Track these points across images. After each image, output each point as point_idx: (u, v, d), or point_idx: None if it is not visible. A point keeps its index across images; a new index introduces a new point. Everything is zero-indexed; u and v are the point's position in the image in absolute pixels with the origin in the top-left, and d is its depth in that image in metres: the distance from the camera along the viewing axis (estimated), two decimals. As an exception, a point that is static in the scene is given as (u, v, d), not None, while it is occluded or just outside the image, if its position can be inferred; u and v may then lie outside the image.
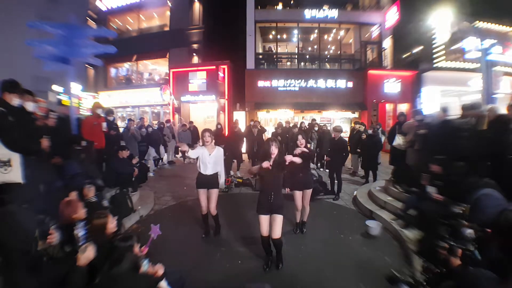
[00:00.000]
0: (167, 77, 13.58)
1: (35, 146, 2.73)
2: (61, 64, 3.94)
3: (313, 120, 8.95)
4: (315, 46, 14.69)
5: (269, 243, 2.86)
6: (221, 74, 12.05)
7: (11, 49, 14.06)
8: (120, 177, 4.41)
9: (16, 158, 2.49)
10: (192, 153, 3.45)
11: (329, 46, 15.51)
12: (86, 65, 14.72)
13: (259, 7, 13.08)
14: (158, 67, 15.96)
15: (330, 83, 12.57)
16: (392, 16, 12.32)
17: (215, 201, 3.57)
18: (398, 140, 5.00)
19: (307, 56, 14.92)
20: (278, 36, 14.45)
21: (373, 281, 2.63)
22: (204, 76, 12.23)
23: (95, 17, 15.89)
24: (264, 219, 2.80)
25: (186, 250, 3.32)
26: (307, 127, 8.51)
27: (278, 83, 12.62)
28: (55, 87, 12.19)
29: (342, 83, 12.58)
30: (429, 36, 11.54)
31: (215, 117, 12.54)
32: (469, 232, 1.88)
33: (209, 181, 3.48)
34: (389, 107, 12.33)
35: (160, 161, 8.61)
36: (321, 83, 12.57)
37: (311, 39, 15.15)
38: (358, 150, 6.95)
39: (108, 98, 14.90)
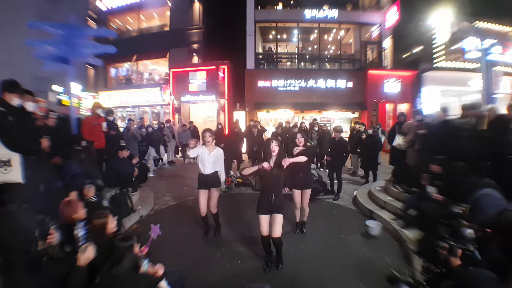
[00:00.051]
0: (167, 77, 13.58)
1: (35, 146, 2.73)
2: (61, 64, 3.94)
3: (314, 120, 8.94)
4: (315, 46, 14.69)
5: (269, 243, 2.86)
6: (221, 74, 12.05)
7: (11, 49, 14.07)
8: (120, 177, 4.41)
9: (16, 158, 2.49)
10: (192, 152, 3.45)
11: (329, 46, 15.51)
12: (86, 65, 14.72)
13: (259, 7, 13.07)
14: (158, 67, 15.96)
15: (330, 83, 12.57)
16: (392, 16, 12.32)
17: (216, 200, 3.57)
18: (398, 140, 5.00)
19: (307, 56, 14.92)
20: (278, 36, 14.45)
21: (373, 281, 2.63)
22: (204, 76, 12.23)
23: (95, 17, 15.89)
24: (264, 219, 2.80)
25: (186, 250, 3.32)
26: (307, 127, 8.50)
27: (278, 83, 12.62)
28: (55, 87, 12.19)
29: (342, 83, 12.58)
30: (429, 36, 11.54)
31: (215, 117, 12.54)
32: (469, 232, 1.88)
33: (210, 181, 3.48)
34: (389, 107, 12.33)
35: (160, 161, 8.61)
36: (321, 83, 12.57)
37: (311, 39, 15.15)
38: (358, 150, 6.95)
39: (108, 98, 14.90)
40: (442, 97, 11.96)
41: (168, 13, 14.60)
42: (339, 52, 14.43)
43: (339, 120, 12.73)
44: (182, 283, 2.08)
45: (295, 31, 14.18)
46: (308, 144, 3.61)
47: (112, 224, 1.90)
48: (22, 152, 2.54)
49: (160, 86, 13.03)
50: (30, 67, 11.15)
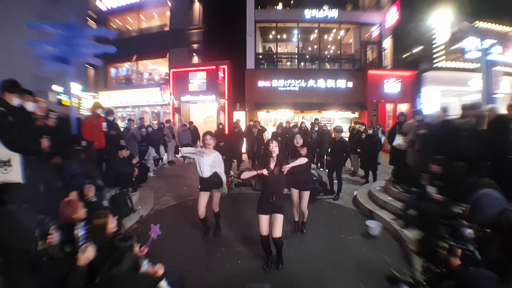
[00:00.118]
0: (167, 77, 13.58)
1: (35, 146, 2.73)
2: (61, 64, 3.93)
3: (316, 119, 8.93)
4: (315, 46, 14.69)
5: (268, 243, 2.86)
6: (221, 74, 12.06)
7: (11, 49, 14.05)
8: (120, 177, 4.41)
9: (16, 158, 2.49)
10: (185, 149, 3.44)
11: (329, 46, 15.51)
12: (86, 65, 14.71)
13: (259, 7, 13.08)
14: (158, 67, 15.96)
15: (330, 83, 12.57)
16: (392, 16, 12.32)
17: (218, 199, 3.57)
18: (398, 140, 4.99)
19: (307, 56, 14.92)
20: (278, 36, 14.45)
21: (373, 281, 2.63)
22: (204, 76, 12.23)
23: (95, 17, 15.90)
24: (264, 219, 2.80)
25: (186, 250, 3.32)
26: (307, 127, 8.48)
27: (278, 83, 12.62)
28: (55, 87, 12.19)
29: (342, 83, 12.58)
30: (429, 36, 11.54)
31: (215, 117, 12.54)
32: (469, 232, 1.88)
33: (211, 182, 3.46)
34: (389, 107, 12.33)
35: (160, 161, 8.61)
36: (321, 83, 12.57)
37: (311, 39, 15.15)
38: (358, 150, 6.95)
39: (108, 98, 14.90)
40: (442, 97, 11.96)
41: (168, 13, 14.61)
42: (339, 52, 14.43)
43: (339, 120, 12.73)
44: (182, 283, 2.08)
45: (295, 31, 14.18)
46: (304, 151, 3.58)
47: (112, 224, 1.90)
48: (22, 152, 2.54)
49: (160, 86, 13.03)
50: (30, 67, 11.14)
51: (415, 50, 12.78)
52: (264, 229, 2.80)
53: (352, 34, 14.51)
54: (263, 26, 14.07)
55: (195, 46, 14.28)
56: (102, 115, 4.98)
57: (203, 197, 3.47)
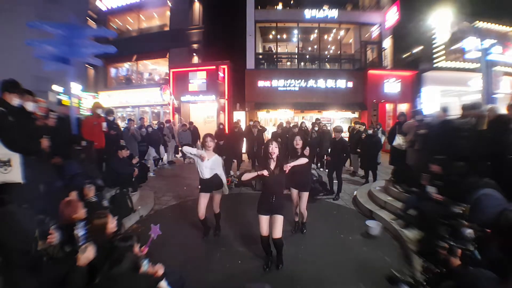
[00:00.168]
0: (167, 77, 13.58)
1: (35, 146, 2.73)
2: (61, 64, 3.94)
3: (317, 119, 8.92)
4: (315, 46, 14.68)
5: (268, 243, 2.86)
6: (221, 74, 12.05)
7: (11, 49, 14.05)
8: (120, 177, 4.41)
9: (16, 158, 2.49)
10: (187, 148, 3.43)
11: (329, 46, 15.51)
12: (86, 65, 14.70)
13: (259, 7, 13.07)
14: (158, 67, 15.96)
15: (330, 83, 12.57)
16: (392, 16, 12.32)
17: (218, 200, 3.57)
18: (398, 140, 5.00)
19: (307, 56, 14.91)
20: (278, 36, 14.44)
21: (373, 281, 2.62)
22: (204, 76, 12.23)
23: (95, 17, 15.89)
24: (264, 219, 2.80)
25: (186, 250, 3.32)
26: (307, 127, 8.48)
27: (278, 83, 12.62)
28: (55, 87, 12.17)
29: (342, 83, 12.58)
30: (429, 36, 11.54)
31: (215, 117, 12.54)
32: (469, 232, 1.88)
33: (211, 184, 3.45)
34: (389, 107, 12.33)
35: (160, 161, 8.61)
36: (321, 83, 12.57)
37: (311, 39, 15.15)
38: (358, 150, 6.95)
39: (108, 98, 14.90)
40: (442, 97, 11.96)
41: (168, 13, 14.60)
42: (339, 52, 14.43)
43: (339, 120, 12.73)
44: (182, 283, 2.08)
45: (295, 31, 14.18)
46: (306, 150, 3.57)
47: (112, 224, 1.90)
48: (22, 152, 2.54)
49: (160, 86, 13.03)
50: (30, 67, 11.13)
51: (415, 50, 12.78)
52: (264, 230, 2.80)
53: (352, 34, 14.51)
54: (263, 26, 14.07)
55: (195, 46, 14.28)
56: (102, 115, 4.98)
57: (203, 198, 3.47)
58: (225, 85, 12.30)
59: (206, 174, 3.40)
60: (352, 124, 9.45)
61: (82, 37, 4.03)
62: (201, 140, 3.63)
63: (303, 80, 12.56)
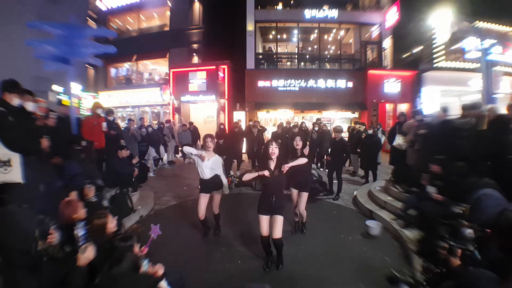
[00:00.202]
0: (167, 77, 13.58)
1: (35, 146, 2.73)
2: (61, 64, 3.94)
3: (318, 119, 8.91)
4: (315, 46, 14.68)
5: (269, 243, 2.86)
6: (221, 74, 12.05)
7: (11, 49, 14.05)
8: (120, 177, 4.41)
9: (16, 158, 2.49)
10: (188, 148, 3.44)
11: (329, 46, 15.51)
12: (86, 65, 14.71)
13: (259, 7, 13.07)
14: (158, 67, 15.96)
15: (330, 83, 12.57)
16: (392, 16, 12.32)
17: (218, 201, 3.57)
18: (399, 140, 5.00)
19: (307, 56, 14.91)
20: (278, 36, 14.44)
21: (373, 281, 2.63)
22: (204, 76, 12.23)
23: (95, 17, 15.88)
24: (264, 219, 2.80)
25: (186, 250, 3.32)
26: (307, 127, 8.48)
27: (278, 83, 12.62)
28: (55, 87, 12.18)
29: (342, 83, 12.58)
30: (429, 36, 11.54)
31: (215, 117, 12.54)
32: (469, 232, 1.88)
33: (211, 184, 3.45)
34: (389, 107, 12.33)
35: (160, 161, 8.61)
36: (321, 83, 12.57)
37: (311, 39, 15.15)
38: (358, 150, 6.95)
39: (108, 98, 14.90)
40: (442, 97, 11.97)
41: (168, 13, 14.60)
42: (339, 52, 14.43)
43: (339, 120, 12.73)
44: (182, 283, 2.08)
45: (295, 31, 14.18)
46: (305, 150, 3.57)
47: (112, 224, 1.90)
48: (22, 152, 2.54)
49: (160, 86, 13.03)
50: (30, 67, 11.15)
51: (415, 50, 12.78)
52: (264, 230, 2.80)
53: (352, 34, 14.51)
54: (263, 26, 14.07)
55: (195, 46, 14.28)
56: (102, 115, 4.98)
57: (203, 199, 3.47)
58: (225, 85, 12.30)
59: (207, 174, 3.40)
60: (352, 124, 9.45)
61: (82, 37, 4.03)
62: (201, 140, 3.63)
63: (303, 80, 12.56)
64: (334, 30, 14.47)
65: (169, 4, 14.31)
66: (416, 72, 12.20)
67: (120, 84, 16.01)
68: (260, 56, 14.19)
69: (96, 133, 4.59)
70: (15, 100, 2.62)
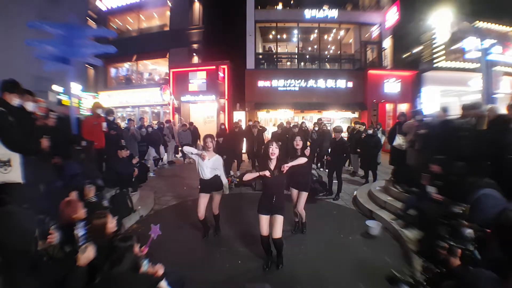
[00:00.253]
0: (167, 77, 13.58)
1: (35, 146, 2.73)
2: (61, 64, 3.93)
3: (319, 120, 8.89)
4: (315, 46, 14.69)
5: (268, 243, 2.86)
6: (221, 74, 12.06)
7: (11, 49, 14.05)
8: (120, 177, 4.41)
9: (16, 158, 2.49)
10: (188, 148, 3.44)
11: (329, 46, 15.51)
12: (86, 65, 14.70)
13: (259, 7, 13.08)
14: (158, 67, 15.96)
15: (330, 83, 12.57)
16: (392, 16, 12.32)
17: (218, 201, 3.57)
18: (399, 140, 5.00)
19: (307, 56, 14.91)
20: (278, 36, 14.45)
21: (373, 281, 2.63)
22: (204, 76, 12.24)
23: (95, 17, 15.88)
24: (264, 218, 2.80)
25: (186, 250, 3.33)
26: (307, 127, 8.48)
27: (278, 83, 12.62)
28: (55, 87, 12.17)
29: (342, 83, 12.58)
30: (429, 36, 11.54)
31: (215, 117, 12.54)
32: (469, 232, 1.88)
33: (211, 185, 3.45)
34: (389, 107, 12.33)
35: (160, 161, 8.61)
36: (321, 83, 12.57)
37: (311, 39, 15.15)
38: (358, 150, 6.95)
39: (108, 98, 14.90)
40: (442, 97, 11.97)
41: (168, 13, 14.60)
42: (339, 52, 14.43)
43: (339, 120, 12.74)
44: (182, 283, 2.08)
45: (295, 31, 14.19)
46: (308, 143, 3.59)
47: (112, 224, 1.90)
48: (22, 152, 2.54)
49: (160, 86, 13.03)
50: (30, 67, 11.12)
51: (415, 50, 12.78)
52: (264, 229, 2.80)
53: (352, 34, 14.52)
54: (263, 26, 14.07)
55: (195, 46, 14.28)
56: (102, 115, 4.98)
57: (203, 199, 3.47)
58: (225, 85, 12.30)
59: (207, 174, 3.40)
60: (352, 124, 9.45)
61: (82, 37, 4.03)
62: (201, 140, 3.64)
63: (303, 80, 12.56)
64: (334, 30, 14.47)
65: (169, 4, 14.31)
66: (416, 72, 12.20)
67: (120, 84, 16.01)
68: (260, 56, 14.20)
69: (96, 133, 4.59)
70: (15, 100, 2.62)
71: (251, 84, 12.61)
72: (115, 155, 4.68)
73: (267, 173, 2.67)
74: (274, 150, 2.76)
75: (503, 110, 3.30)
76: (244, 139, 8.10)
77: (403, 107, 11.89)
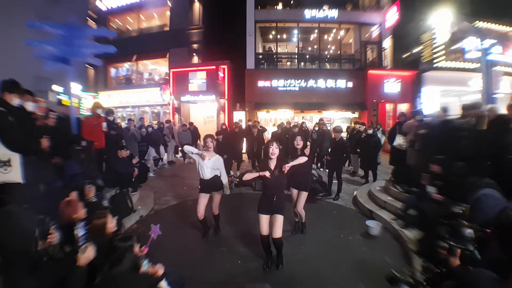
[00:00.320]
0: (167, 77, 13.59)
1: (35, 146, 2.73)
2: (61, 64, 3.93)
3: (321, 120, 8.89)
4: (315, 46, 14.69)
5: (268, 243, 2.86)
6: (221, 74, 12.06)
7: (11, 49, 14.05)
8: (120, 177, 4.41)
9: (16, 158, 2.49)
10: (188, 147, 3.44)
11: (329, 46, 15.51)
12: (86, 65, 14.71)
13: (259, 7, 13.08)
14: (158, 67, 15.96)
15: (330, 83, 12.57)
16: (392, 16, 12.33)
17: (218, 202, 3.57)
18: (399, 140, 5.00)
19: (307, 56, 14.92)
20: (278, 36, 14.45)
21: (373, 281, 2.63)
22: (204, 76, 12.24)
23: (95, 17, 15.88)
24: (264, 218, 2.80)
25: (186, 250, 3.32)
26: (307, 127, 8.48)
27: (278, 83, 12.63)
28: (55, 87, 12.18)
29: (342, 83, 12.58)
30: (429, 36, 11.54)
31: (215, 117, 12.54)
32: (469, 232, 1.88)
33: (211, 185, 3.45)
34: (389, 107, 12.33)
35: (160, 161, 8.61)
36: (321, 83, 12.57)
37: (311, 39, 15.16)
38: (358, 150, 6.95)
39: (108, 98, 14.90)
40: (442, 97, 11.97)
41: (168, 13, 14.60)
42: (339, 52, 14.43)
43: (339, 120, 12.74)
44: (182, 283, 2.08)
45: (295, 31, 14.19)
46: (308, 143, 3.59)
47: (112, 224, 1.90)
48: (22, 152, 2.54)
49: (160, 86, 13.04)
50: (30, 67, 11.12)
51: (415, 50, 12.78)
52: (264, 229, 2.80)
53: (352, 34, 14.52)
54: (263, 26, 14.07)
55: (195, 46, 14.28)
56: (102, 115, 4.98)
57: (203, 199, 3.47)
58: (225, 85, 12.31)
59: (207, 174, 3.40)
60: (352, 124, 9.45)
61: (82, 37, 4.03)
62: (201, 140, 3.64)
63: (303, 80, 12.57)
64: (334, 30, 14.47)
65: (169, 4, 14.31)
66: (416, 72, 12.20)
67: (120, 84, 16.01)
68: (260, 56, 14.20)
69: (96, 133, 4.59)
70: (15, 100, 2.62)
71: (251, 84, 12.61)
72: (115, 155, 4.68)
73: (267, 174, 2.67)
74: (274, 150, 2.76)
75: (503, 110, 3.30)
76: (244, 139, 8.10)
77: (403, 107, 11.89)
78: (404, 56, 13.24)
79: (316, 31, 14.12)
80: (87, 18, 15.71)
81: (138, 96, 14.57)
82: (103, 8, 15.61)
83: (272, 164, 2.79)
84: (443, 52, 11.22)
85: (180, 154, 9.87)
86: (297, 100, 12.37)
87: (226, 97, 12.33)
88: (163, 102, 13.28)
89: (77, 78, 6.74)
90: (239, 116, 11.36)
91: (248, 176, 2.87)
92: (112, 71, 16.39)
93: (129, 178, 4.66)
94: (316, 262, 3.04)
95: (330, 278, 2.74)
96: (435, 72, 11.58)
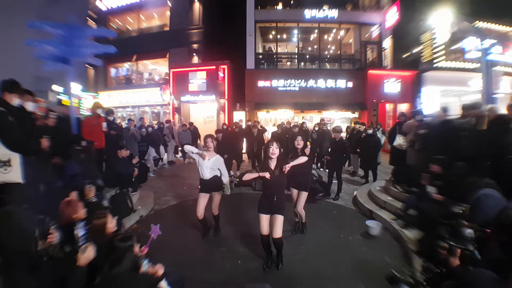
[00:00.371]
0: (167, 77, 13.59)
1: (35, 146, 2.73)
2: (61, 64, 3.93)
3: (322, 120, 8.87)
4: (315, 46, 14.70)
5: (268, 243, 2.86)
6: (221, 74, 12.06)
7: (11, 49, 14.06)
8: (120, 177, 4.41)
9: (16, 158, 2.49)
10: (189, 147, 3.44)
11: (329, 46, 15.52)
12: (86, 65, 14.71)
13: (259, 7, 13.08)
14: (158, 67, 15.96)
15: (330, 83, 12.57)
16: (392, 16, 12.33)
17: (218, 202, 3.56)
18: (399, 140, 5.00)
19: (307, 56, 14.92)
20: (278, 36, 14.45)
21: (373, 281, 2.63)
22: (204, 76, 12.24)
23: (95, 17, 15.88)
24: (264, 218, 2.80)
25: (186, 250, 3.32)
26: (307, 127, 8.48)
27: (278, 83, 12.63)
28: (55, 87, 12.18)
29: (342, 83, 12.58)
30: (429, 36, 11.55)
31: (215, 117, 12.54)
32: (469, 232, 1.88)
33: (211, 185, 3.45)
34: (389, 107, 12.33)
35: (160, 161, 8.61)
36: (321, 83, 12.57)
37: (311, 39, 15.16)
38: (358, 150, 6.95)
39: (108, 98, 14.90)
40: (442, 97, 11.97)
41: (168, 13, 14.60)
42: (339, 52, 14.43)
43: (339, 120, 12.74)
44: (182, 283, 2.08)
45: (295, 31, 14.19)
46: (308, 143, 3.59)
47: (111, 224, 1.90)
48: (22, 152, 2.54)
49: (160, 86, 13.04)
50: (30, 67, 11.12)
51: (415, 50, 12.79)
52: (265, 229, 2.80)
53: (352, 34, 14.52)
54: (263, 26, 14.07)
55: (195, 46, 14.28)
56: (102, 115, 4.98)
57: (203, 199, 3.47)
58: (225, 85, 12.31)
59: (207, 174, 3.40)
60: (352, 124, 9.45)
61: (82, 37, 4.02)
62: (201, 140, 3.64)
63: (303, 80, 12.57)
64: (334, 30, 14.48)
65: (169, 4, 14.31)
66: (416, 72, 12.21)
67: (120, 84, 16.01)
68: (260, 56, 14.20)
69: (96, 133, 4.59)
70: (15, 100, 2.61)
71: (251, 84, 12.61)
72: (115, 155, 4.68)
73: (266, 174, 2.67)
74: (274, 150, 2.76)
75: (503, 110, 3.30)
76: (244, 139, 8.10)
77: (403, 107, 11.90)
78: (404, 56, 13.24)
79: (316, 31, 14.12)
80: (87, 18, 15.71)
81: (138, 96, 14.57)
82: (103, 8, 15.61)
83: (272, 164, 2.79)
84: (443, 52, 11.23)
85: (180, 154, 9.87)
86: (297, 100, 12.37)
87: (226, 97, 12.33)
88: (163, 102, 13.28)
89: (77, 78, 6.74)
90: (239, 116, 11.35)
91: (248, 177, 2.88)
92: (112, 71, 16.39)
93: (129, 178, 4.66)
94: (316, 262, 3.04)
95: (330, 278, 2.74)
96: (435, 72, 11.58)
